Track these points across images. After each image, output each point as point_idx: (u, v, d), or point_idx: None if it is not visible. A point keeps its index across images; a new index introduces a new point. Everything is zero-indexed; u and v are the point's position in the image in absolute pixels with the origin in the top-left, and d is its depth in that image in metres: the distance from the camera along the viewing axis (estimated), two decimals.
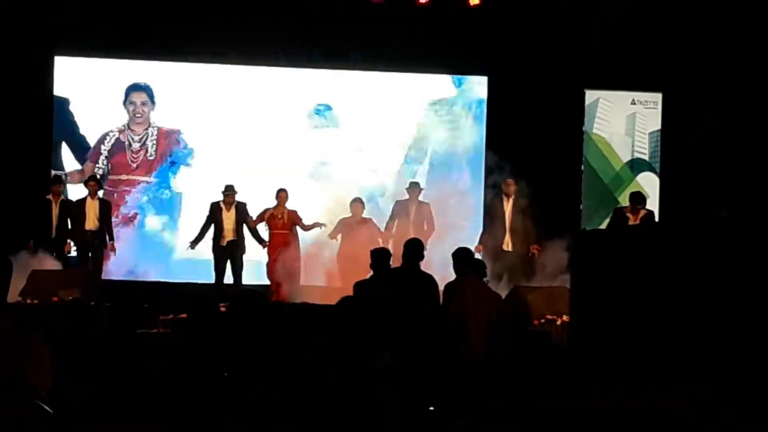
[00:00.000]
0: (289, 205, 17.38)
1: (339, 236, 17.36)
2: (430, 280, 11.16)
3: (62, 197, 18.01)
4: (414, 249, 11.22)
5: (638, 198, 16.76)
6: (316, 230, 17.54)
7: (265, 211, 17.33)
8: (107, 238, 17.43)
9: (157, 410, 4.62)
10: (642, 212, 16.65)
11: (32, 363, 4.30)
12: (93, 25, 18.65)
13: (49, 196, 17.93)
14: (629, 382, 1.74)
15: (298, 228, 17.44)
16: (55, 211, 17.73)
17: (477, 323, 10.65)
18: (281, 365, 6.52)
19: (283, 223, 17.24)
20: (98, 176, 18.47)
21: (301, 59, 19.33)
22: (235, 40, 18.82)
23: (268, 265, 17.34)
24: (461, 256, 11.13)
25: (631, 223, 16.43)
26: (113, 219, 18.11)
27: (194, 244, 17.67)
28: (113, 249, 17.49)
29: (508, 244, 16.83)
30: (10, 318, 4.49)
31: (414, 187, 17.86)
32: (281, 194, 17.43)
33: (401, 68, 19.40)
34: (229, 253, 17.27)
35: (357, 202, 17.52)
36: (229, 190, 17.53)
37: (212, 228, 17.46)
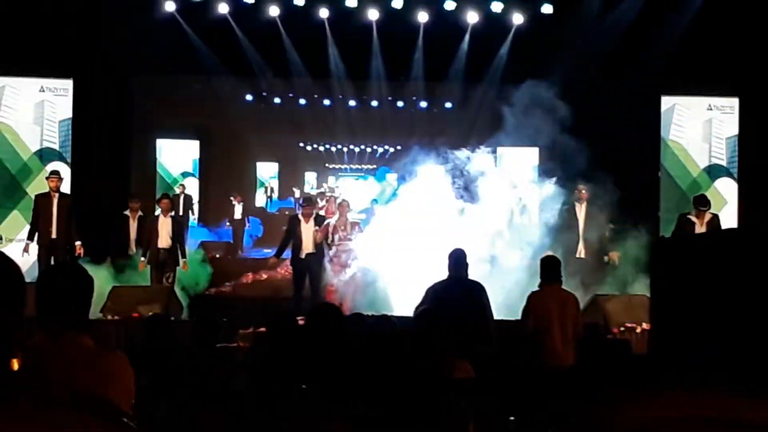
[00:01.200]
0: None
1: None
2: (480, 287, 11.17)
3: (140, 213, 18.20)
4: (462, 258, 11.23)
5: (702, 201, 16.62)
6: None
7: (327, 224, 17.29)
8: (180, 255, 17.50)
9: (239, 425, 4.64)
10: (707, 215, 16.50)
11: (115, 380, 4.34)
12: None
13: (127, 212, 18.13)
14: (708, 389, 1.72)
15: None
16: (133, 226, 17.91)
17: (561, 333, 10.64)
18: (361, 378, 6.53)
19: (345, 235, 17.20)
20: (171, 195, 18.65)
21: None
22: None
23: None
24: (548, 264, 11.12)
25: (697, 227, 16.29)
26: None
27: (277, 256, 17.77)
28: (185, 268, 17.56)
29: (581, 252, 16.71)
30: (92, 335, 4.53)
31: None
32: (342, 205, 17.45)
33: None
34: (307, 265, 17.22)
35: None
36: (307, 203, 17.61)
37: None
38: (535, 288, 11.24)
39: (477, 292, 11.11)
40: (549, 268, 11.02)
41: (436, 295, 11.02)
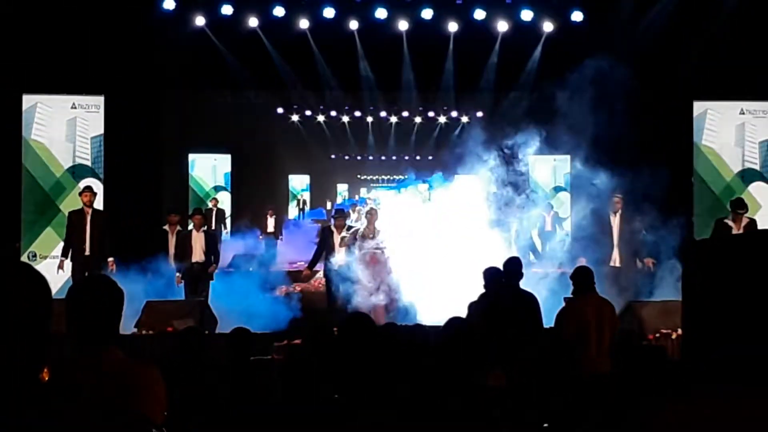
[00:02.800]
0: None
1: None
2: (532, 297, 11.18)
3: (178, 228, 18.25)
4: (515, 267, 11.24)
5: (739, 204, 16.51)
6: None
7: (356, 230, 17.25)
8: (213, 262, 17.60)
9: None
10: (744, 219, 16.39)
11: (147, 393, 4.33)
12: None
13: (166, 227, 18.20)
14: (742, 387, 1.70)
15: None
16: (172, 241, 17.96)
17: (597, 341, 10.62)
18: (395, 386, 6.52)
19: (374, 244, 17.14)
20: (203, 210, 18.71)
21: None
22: None
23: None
24: (583, 274, 11.10)
25: (734, 231, 16.19)
26: None
27: (310, 267, 17.78)
28: (214, 270, 17.60)
29: (615, 260, 16.63)
30: (126, 350, 4.53)
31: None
32: (371, 213, 17.42)
33: None
34: (340, 275, 17.19)
35: None
36: (339, 214, 17.64)
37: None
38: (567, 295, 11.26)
39: (531, 302, 11.12)
40: (582, 278, 11.00)
41: (486, 303, 11.03)
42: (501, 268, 11.35)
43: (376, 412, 4.99)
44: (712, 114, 19.40)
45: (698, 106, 19.36)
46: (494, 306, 10.91)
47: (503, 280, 11.20)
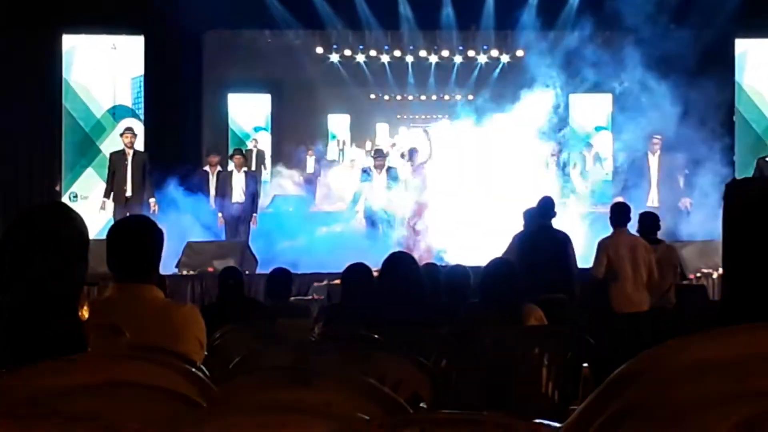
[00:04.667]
0: None
1: None
2: (565, 237, 11.21)
3: (218, 168, 18.30)
4: (547, 206, 11.27)
5: None
6: None
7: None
8: (252, 210, 17.69)
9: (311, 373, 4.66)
10: None
11: (186, 332, 4.37)
12: None
13: (207, 168, 18.24)
14: None
15: None
16: (212, 181, 18.00)
17: (633, 278, 10.63)
18: (435, 326, 6.53)
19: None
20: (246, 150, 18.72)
21: None
22: None
23: None
24: (617, 211, 11.12)
25: None
26: None
27: (351, 207, 17.88)
28: (255, 223, 17.66)
29: (653, 200, 16.54)
30: (167, 290, 4.57)
31: None
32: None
33: None
34: (379, 217, 17.22)
35: None
36: (378, 154, 17.69)
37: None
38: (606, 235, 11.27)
39: (563, 242, 11.16)
40: (616, 215, 11.03)
41: (521, 242, 11.08)
42: None
43: (414, 350, 4.99)
44: (754, 53, 19.19)
45: (740, 44, 19.14)
46: (525, 244, 10.95)
47: (537, 219, 11.24)
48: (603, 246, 10.97)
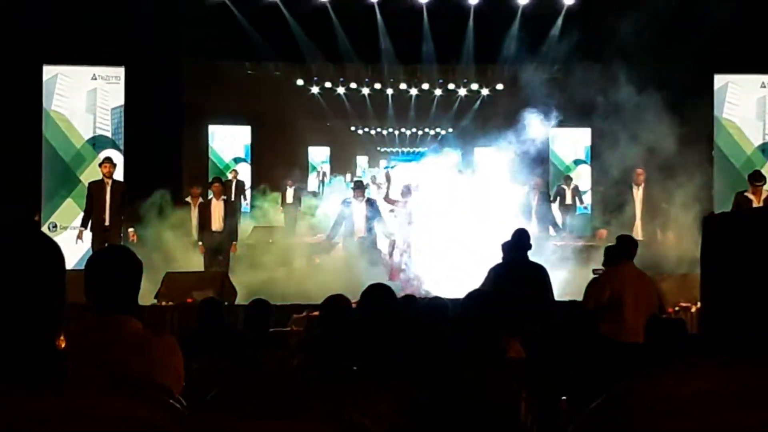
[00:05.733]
0: None
1: None
2: (540, 268, 11.24)
3: (200, 200, 18.32)
4: (522, 239, 11.30)
5: (757, 176, 16.50)
6: None
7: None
8: (232, 231, 17.71)
9: (292, 405, 4.64)
10: (764, 192, 16.36)
11: (164, 363, 4.35)
12: None
13: (188, 198, 18.25)
14: (746, 362, 1.68)
15: None
16: (194, 213, 18.02)
17: (634, 309, 10.64)
18: (413, 358, 6.52)
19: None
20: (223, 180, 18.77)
21: None
22: None
23: None
24: (623, 244, 11.15)
25: (754, 204, 16.14)
26: None
27: (329, 239, 17.91)
28: (235, 250, 17.64)
29: (638, 233, 16.59)
30: (146, 321, 4.54)
31: None
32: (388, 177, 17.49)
33: None
34: (359, 248, 17.29)
35: None
36: (357, 186, 17.73)
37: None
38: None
39: (539, 273, 11.17)
40: (622, 248, 11.04)
41: (497, 275, 11.08)
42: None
43: (392, 383, 4.98)
44: (733, 87, 19.30)
45: (719, 80, 19.26)
46: (501, 276, 10.97)
47: (513, 252, 11.26)
48: (606, 278, 10.97)
